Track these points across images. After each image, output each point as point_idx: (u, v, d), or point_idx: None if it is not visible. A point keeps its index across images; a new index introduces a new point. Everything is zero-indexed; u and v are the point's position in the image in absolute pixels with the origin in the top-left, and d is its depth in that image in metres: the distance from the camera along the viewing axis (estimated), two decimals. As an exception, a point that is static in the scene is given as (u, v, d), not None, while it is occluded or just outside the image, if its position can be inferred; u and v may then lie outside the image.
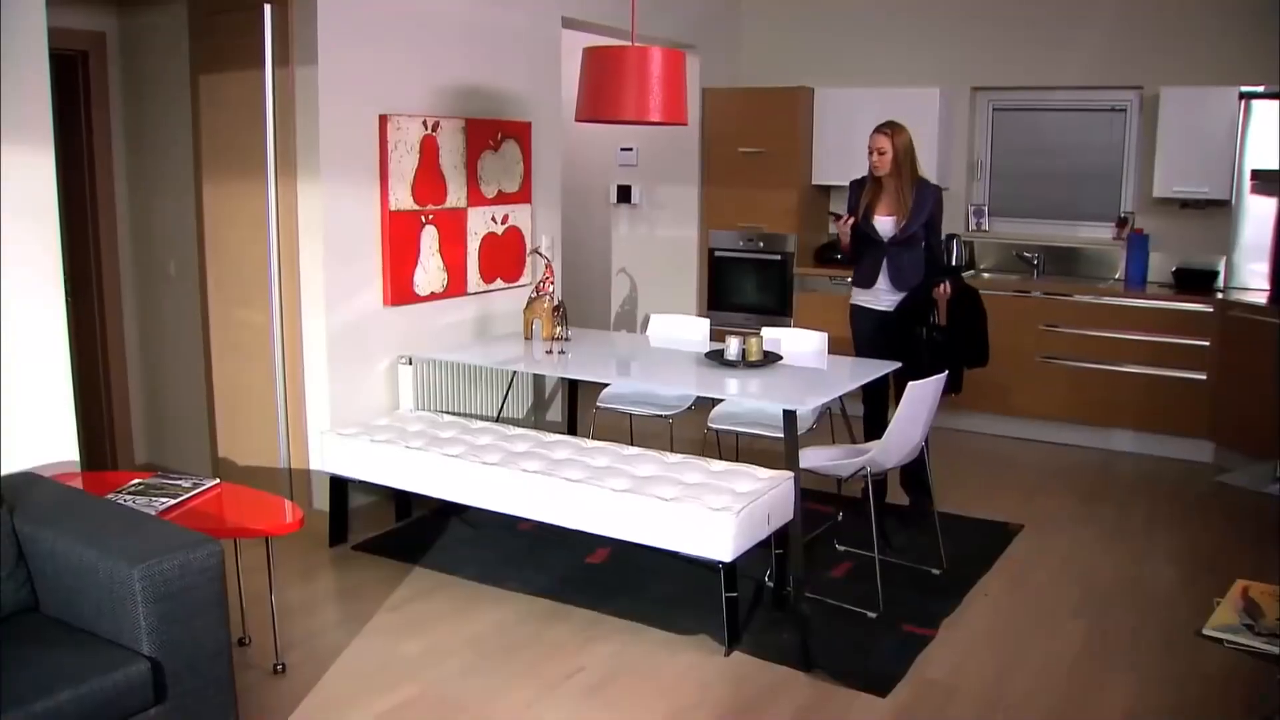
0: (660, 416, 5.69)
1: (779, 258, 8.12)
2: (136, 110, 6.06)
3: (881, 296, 5.69)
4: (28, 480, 3.71)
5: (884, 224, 5.61)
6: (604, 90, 4.86)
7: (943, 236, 5.81)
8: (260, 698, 3.82)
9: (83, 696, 2.89)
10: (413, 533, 5.43)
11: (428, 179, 5.74)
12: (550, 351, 5.58)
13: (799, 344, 5.68)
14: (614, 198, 8.71)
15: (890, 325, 5.62)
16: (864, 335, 5.78)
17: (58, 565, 3.29)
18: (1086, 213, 7.70)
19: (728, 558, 4.10)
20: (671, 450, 4.92)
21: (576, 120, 5.05)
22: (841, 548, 5.25)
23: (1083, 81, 7.52)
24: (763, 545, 4.37)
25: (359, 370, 5.56)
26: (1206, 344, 6.74)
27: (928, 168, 7.70)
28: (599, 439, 5.11)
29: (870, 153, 5.57)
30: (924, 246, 5.62)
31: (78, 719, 2.87)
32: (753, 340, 5.26)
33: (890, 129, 5.51)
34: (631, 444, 5.04)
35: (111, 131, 6.04)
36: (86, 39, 5.86)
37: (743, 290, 8.30)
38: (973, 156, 8.05)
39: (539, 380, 6.60)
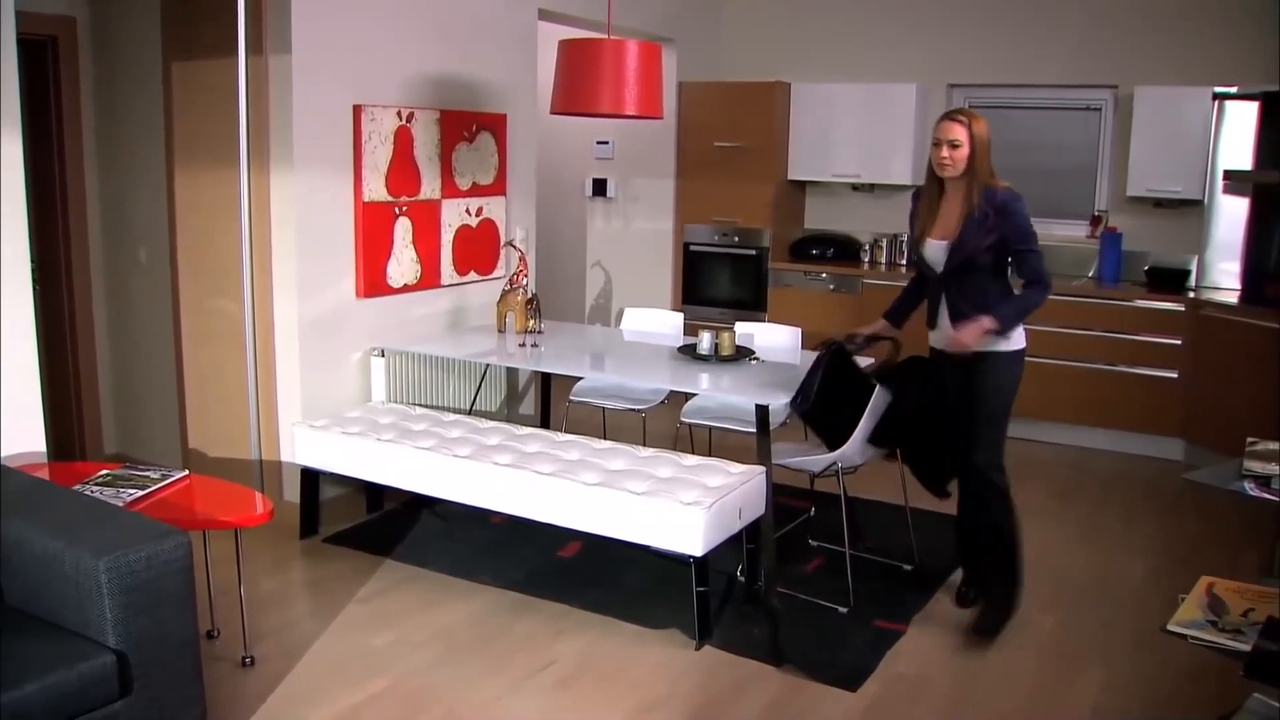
0: (633, 410, 5.68)
1: (754, 252, 8.13)
2: (108, 97, 6.00)
3: (944, 339, 4.44)
4: (-7, 470, 3.67)
5: (935, 250, 4.37)
6: (579, 83, 4.85)
7: (1032, 257, 4.27)
8: (229, 690, 3.79)
9: (48, 688, 2.86)
10: (384, 525, 5.41)
11: (402, 170, 5.72)
12: (523, 344, 5.57)
13: (772, 339, 5.68)
14: (589, 191, 8.70)
15: (965, 373, 4.39)
16: (940, 388, 4.54)
17: (23, 556, 3.26)
18: (1060, 210, 7.73)
19: (699, 552, 4.10)
20: (644, 444, 4.92)
21: (551, 113, 5.04)
22: (814, 543, 5.27)
23: (1058, 80, 7.56)
24: (734, 540, 4.37)
25: (331, 361, 5.53)
26: (1178, 342, 6.78)
27: (901, 164, 7.80)
28: (571, 432, 5.10)
29: (938, 146, 4.26)
30: (1017, 270, 4.32)
31: (43, 711, 2.85)
32: (725, 335, 5.26)
33: (968, 117, 4.22)
34: (604, 438, 5.03)
35: (82, 118, 5.98)
36: (56, 24, 5.80)
37: (717, 284, 8.31)
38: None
39: (512, 373, 6.59)
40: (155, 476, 4.04)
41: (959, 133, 4.22)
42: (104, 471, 4.09)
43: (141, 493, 3.85)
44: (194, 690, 3.26)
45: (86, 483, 3.93)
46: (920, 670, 4.08)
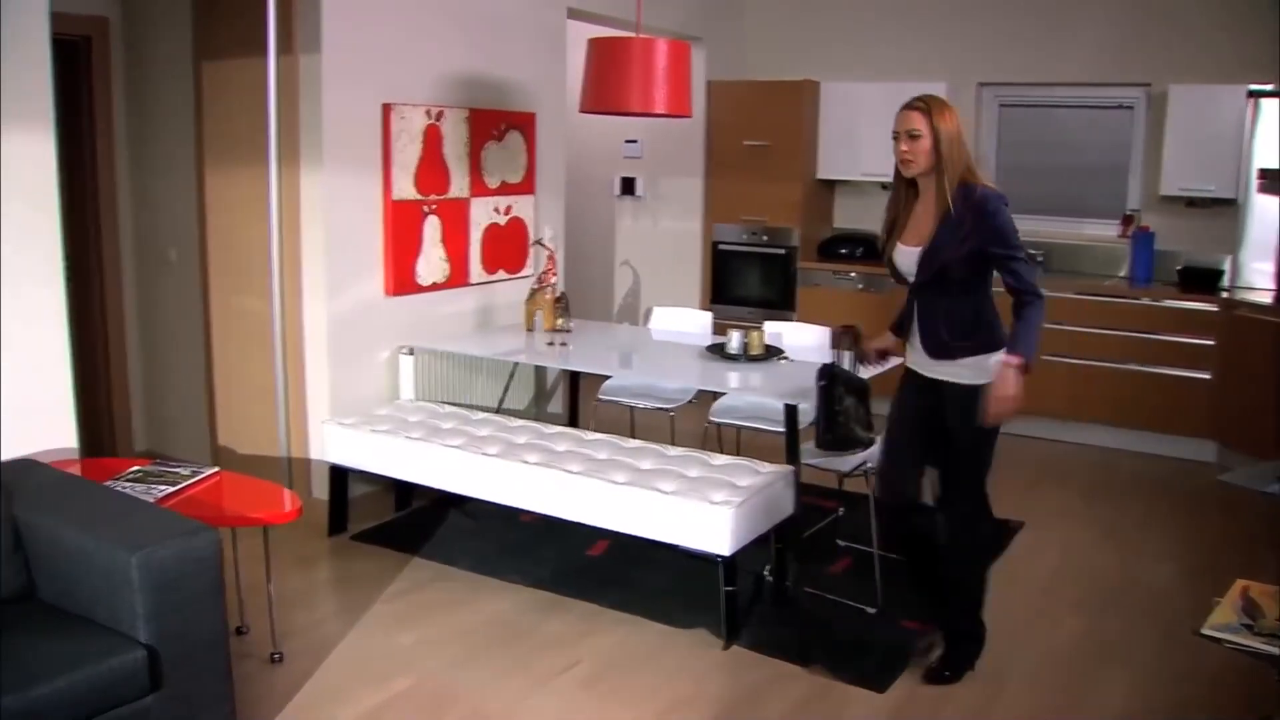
0: (661, 409, 5.67)
1: (782, 251, 8.10)
2: (139, 96, 6.04)
3: (920, 359, 3.92)
4: (26, 466, 3.69)
5: (906, 258, 3.83)
6: (609, 81, 4.85)
7: (1019, 264, 3.64)
8: (257, 687, 3.81)
9: (79, 683, 2.88)
10: (412, 523, 5.41)
11: (430, 169, 5.73)
12: (552, 343, 5.57)
13: (801, 338, 5.66)
14: (618, 190, 8.69)
15: (935, 399, 3.87)
16: (901, 404, 4.02)
17: (55, 551, 3.28)
18: (1092, 210, 7.67)
19: (727, 551, 4.09)
20: (672, 443, 4.91)
21: (581, 111, 5.04)
22: (841, 543, 5.24)
23: (1090, 78, 7.49)
24: (762, 539, 4.36)
25: (359, 360, 5.54)
26: (1211, 343, 6.71)
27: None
28: (600, 431, 5.09)
29: (897, 139, 3.72)
30: (1006, 282, 3.68)
31: (74, 705, 2.86)
32: (755, 334, 5.24)
33: (926, 104, 3.67)
34: (632, 437, 5.03)
35: (113, 117, 6.02)
36: (89, 24, 5.84)
37: (745, 284, 8.28)
38: (978, 152, 8.01)
39: (540, 372, 6.59)
40: (185, 473, 4.05)
41: (918, 122, 3.66)
42: (135, 468, 4.10)
43: (172, 489, 3.87)
44: (223, 686, 3.27)
45: (118, 479, 3.94)
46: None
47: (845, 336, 4.32)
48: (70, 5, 5.58)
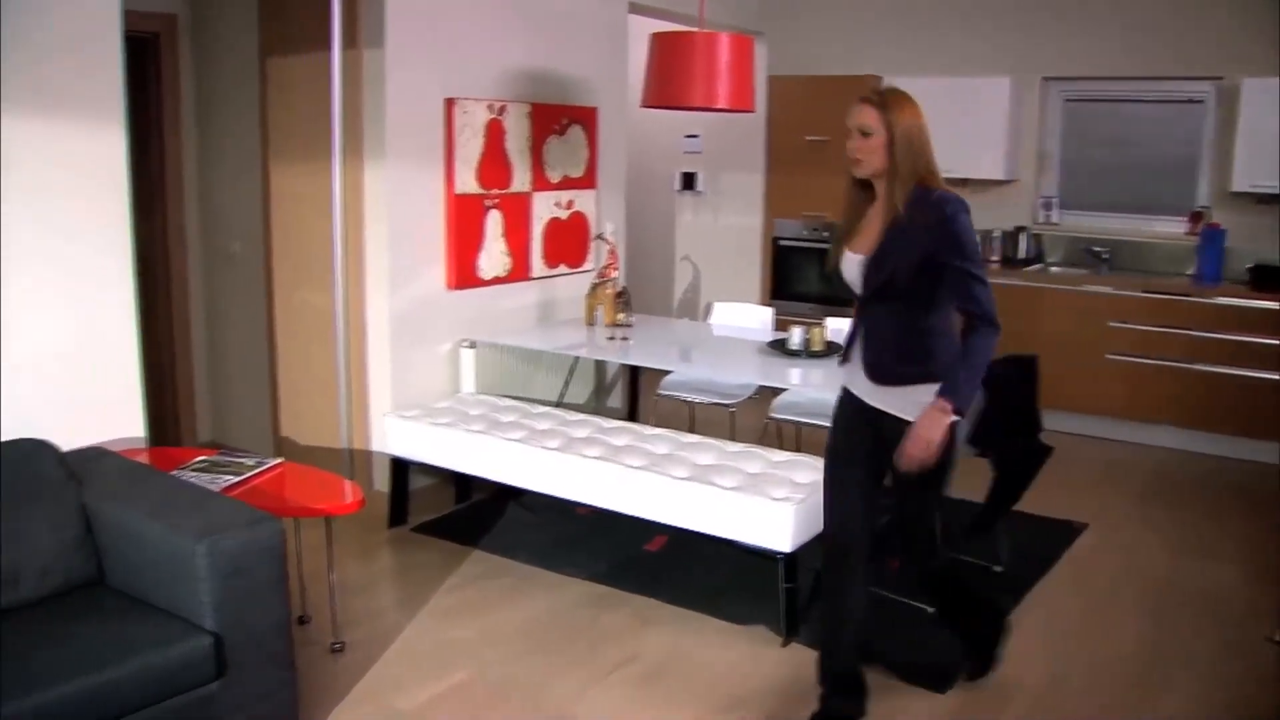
0: (721, 405, 5.66)
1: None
2: (206, 91, 6.12)
3: (858, 381, 3.50)
4: (96, 455, 3.76)
5: (852, 266, 3.43)
6: (671, 76, 4.84)
7: (974, 283, 3.18)
8: (319, 675, 3.85)
9: (147, 668, 2.93)
10: (471, 515, 5.44)
11: (493, 163, 5.75)
12: (612, 338, 5.58)
13: (862, 335, 5.61)
14: (678, 185, 8.68)
15: (875, 430, 3.44)
16: (837, 428, 3.60)
17: (124, 539, 3.34)
18: (1159, 207, 7.54)
19: (787, 548, 4.08)
20: (732, 439, 4.89)
21: (643, 106, 5.03)
22: (901, 541, 5.19)
23: (1159, 72, 7.36)
24: (821, 536, 4.33)
25: (421, 353, 5.58)
26: (1281, 343, 6.59)
27: (993, 160, 7.66)
28: (659, 426, 5.09)
29: (849, 135, 3.36)
30: (955, 299, 3.26)
31: (141, 690, 2.91)
32: (816, 330, 5.21)
33: (881, 98, 3.32)
34: (692, 432, 5.02)
35: (181, 112, 6.10)
36: (159, 21, 5.93)
37: (806, 279, 8.24)
38: (1042, 147, 7.91)
39: (600, 366, 6.60)
40: (250, 464, 4.10)
41: (870, 118, 3.29)
42: (200, 458, 4.16)
43: (237, 479, 3.91)
44: (286, 674, 3.31)
45: (184, 468, 4.00)
46: (1009, 674, 3.99)
47: None
48: (140, 3, 5.66)
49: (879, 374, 3.39)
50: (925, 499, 3.51)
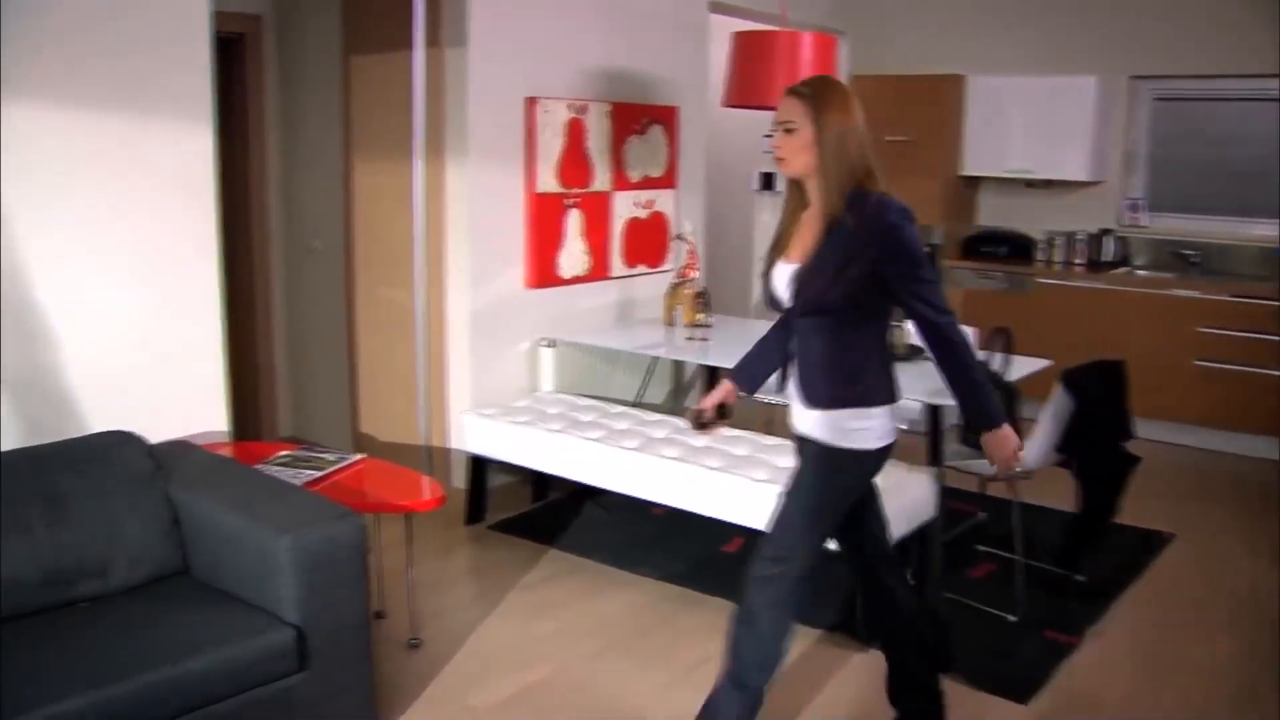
0: (799, 407, 5.60)
1: (926, 249, 7.92)
2: (290, 91, 6.19)
3: (795, 407, 3.24)
4: (181, 448, 3.81)
5: (782, 278, 3.13)
6: (753, 75, 4.82)
7: (926, 287, 2.97)
8: (396, 670, 3.87)
9: (231, 659, 2.97)
10: (548, 514, 5.45)
11: (573, 162, 5.76)
12: (691, 338, 5.55)
13: (944, 338, 5.52)
14: (756, 184, 8.63)
15: (812, 464, 3.18)
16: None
17: (208, 531, 3.38)
18: (1251, 209, 7.35)
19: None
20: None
21: (724, 106, 5.01)
22: (982, 548, 5.11)
23: (1251, 70, 7.17)
24: (901, 542, 4.27)
25: (499, 351, 5.60)
26: (1379, 350, 6.39)
27: (1078, 161, 7.51)
28: (737, 427, 5.05)
29: (774, 131, 3.08)
30: (913, 315, 3.02)
31: (226, 680, 2.95)
32: (897, 332, 5.13)
33: (811, 91, 3.00)
34: (771, 434, 4.98)
35: (265, 111, 6.19)
36: (244, 21, 6.01)
37: (885, 282, 8.13)
38: (1129, 148, 7.74)
39: (678, 366, 6.58)
40: (331, 459, 4.13)
41: (794, 112, 2.97)
42: (283, 452, 4.20)
43: (319, 474, 3.95)
44: (364, 669, 3.34)
45: (267, 462, 4.04)
46: (1094, 687, 3.91)
47: (998, 338, 4.21)
48: (227, 3, 5.74)
49: (810, 396, 3.11)
50: (806, 507, 3.22)
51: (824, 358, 3.06)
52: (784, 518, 3.23)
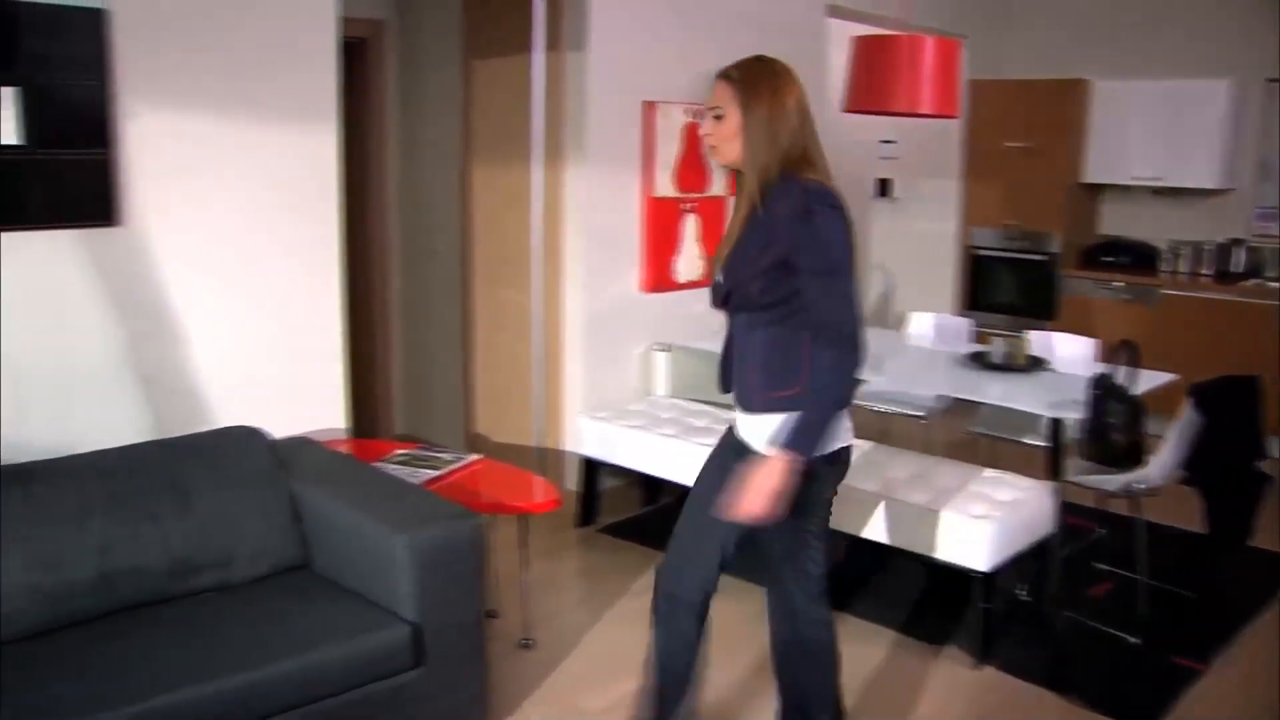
0: (914, 417, 5.53)
1: (1043, 258, 7.78)
2: (410, 94, 6.28)
3: (737, 411, 3.05)
4: (302, 444, 3.89)
5: (720, 274, 2.97)
6: (874, 80, 4.76)
7: (820, 286, 2.73)
8: (508, 670, 3.89)
9: (350, 654, 3.01)
10: (660, 519, 5.43)
11: (690, 166, 5.75)
12: (806, 344, 5.50)
13: (1065, 349, 5.40)
14: (872, 191, 8.53)
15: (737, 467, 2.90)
16: (711, 462, 3.19)
17: (328, 526, 3.44)
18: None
19: (984, 567, 3.95)
20: (927, 452, 4.77)
21: (844, 111, 4.96)
22: (1101, 566, 4.98)
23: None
24: (1018, 556, 4.18)
25: (614, 354, 5.61)
26: None
27: (1208, 167, 7.27)
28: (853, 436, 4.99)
29: (703, 117, 2.99)
30: (806, 309, 2.77)
31: (345, 674, 3.00)
32: (1019, 343, 5.05)
33: (740, 73, 2.84)
34: (886, 443, 4.91)
35: (386, 114, 6.28)
36: (367, 26, 6.11)
37: (1002, 290, 7.99)
38: (1263, 155, 7.47)
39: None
40: (448, 459, 4.18)
41: (723, 98, 2.82)
42: (400, 451, 4.26)
43: (436, 473, 3.99)
44: (478, 668, 3.37)
45: (385, 460, 4.10)
46: (1222, 717, 3.78)
47: (1123, 351, 4.11)
48: (351, 9, 5.84)
49: (743, 398, 2.94)
50: (795, 537, 3.03)
51: (757, 358, 2.87)
52: (701, 530, 3.08)
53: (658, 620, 3.21)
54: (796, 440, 2.72)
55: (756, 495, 2.75)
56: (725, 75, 2.84)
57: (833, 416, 2.76)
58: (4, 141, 3.34)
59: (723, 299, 2.91)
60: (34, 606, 3.03)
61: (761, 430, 2.86)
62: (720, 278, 2.92)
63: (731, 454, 2.98)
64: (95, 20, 3.47)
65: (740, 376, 2.95)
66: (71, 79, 3.45)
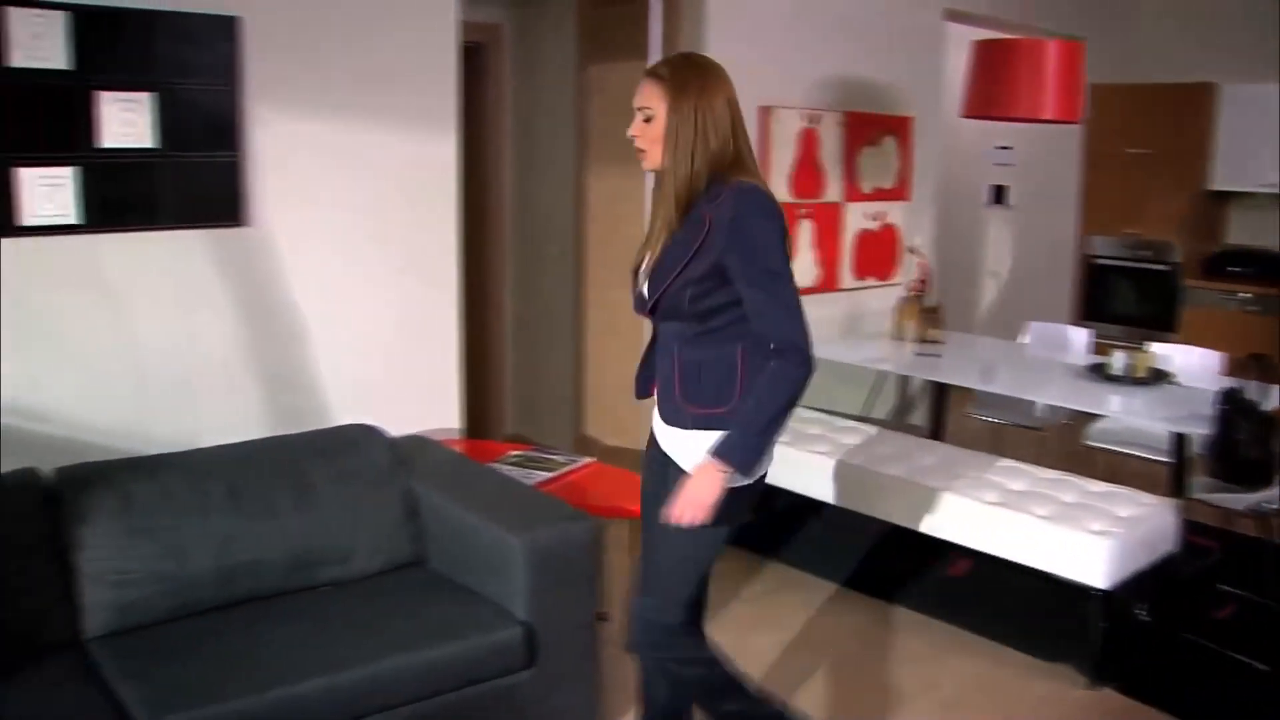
0: (1030, 428, 5.42)
1: (1165, 268, 7.57)
2: (526, 98, 6.34)
3: (657, 424, 2.93)
4: (419, 443, 3.94)
5: (643, 279, 2.84)
6: (994, 85, 4.71)
7: (764, 295, 2.63)
8: (617, 673, 3.89)
9: (464, 651, 3.05)
10: (771, 526, 5.40)
11: (806, 172, 5.71)
12: (921, 354, 5.43)
13: (1188, 361, 5.26)
14: (987, 198, 8.40)
15: (666, 482, 2.79)
16: (644, 489, 3.03)
17: (445, 524, 3.49)
18: None
19: (1104, 585, 3.85)
20: (1041, 464, 4.67)
21: (963, 116, 4.90)
22: (1225, 588, 4.83)
23: None
24: (1137, 575, 4.07)
25: (724, 359, 5.59)
26: None
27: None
28: (964, 446, 4.92)
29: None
30: (751, 319, 2.68)
31: (459, 671, 3.04)
32: (1140, 355, 4.92)
33: (670, 73, 2.71)
34: (998, 454, 4.83)
35: (503, 118, 6.35)
36: (485, 31, 6.18)
37: (1121, 300, 7.79)
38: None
39: (905, 382, 6.45)
40: (561, 461, 4.20)
41: (650, 98, 2.67)
42: (514, 452, 4.29)
43: (550, 475, 4.02)
44: (589, 670, 3.38)
45: (500, 461, 4.14)
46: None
47: (1253, 364, 3.99)
48: (469, 14, 5.91)
49: (668, 410, 2.80)
50: (675, 567, 2.83)
51: (687, 371, 2.72)
52: (658, 562, 2.88)
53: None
54: (734, 454, 2.61)
55: (692, 505, 2.64)
56: (654, 74, 2.70)
57: (777, 432, 2.65)
58: (140, 145, 3.45)
59: (649, 307, 2.75)
60: (159, 595, 3.13)
61: (689, 447, 2.73)
62: (645, 286, 2.77)
63: (661, 481, 2.83)
64: (228, 27, 3.56)
65: (666, 389, 2.80)
66: (204, 84, 3.55)
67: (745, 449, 2.61)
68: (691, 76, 2.65)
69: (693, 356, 2.70)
